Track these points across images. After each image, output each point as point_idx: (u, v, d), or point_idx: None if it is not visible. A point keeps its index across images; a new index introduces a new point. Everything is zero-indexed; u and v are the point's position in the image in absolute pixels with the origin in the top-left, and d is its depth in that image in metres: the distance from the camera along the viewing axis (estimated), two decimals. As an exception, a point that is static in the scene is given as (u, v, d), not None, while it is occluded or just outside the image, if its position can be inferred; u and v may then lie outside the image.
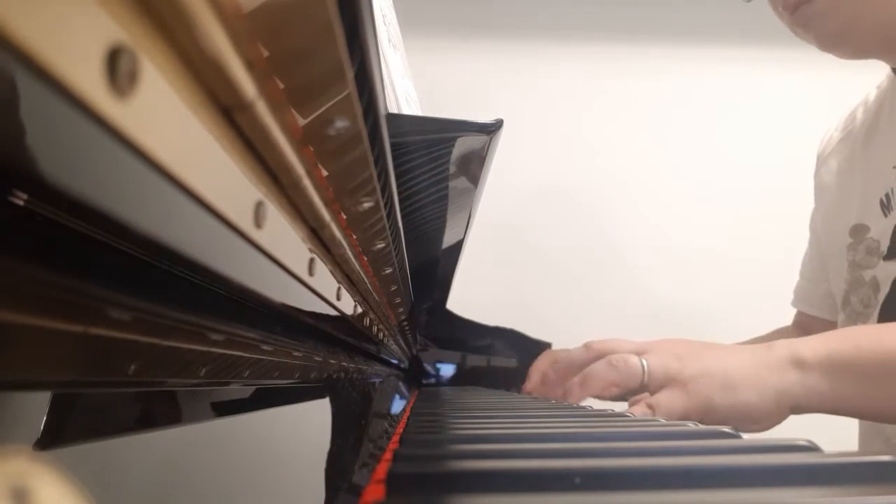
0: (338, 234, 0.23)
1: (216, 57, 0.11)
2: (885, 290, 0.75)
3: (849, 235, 0.80)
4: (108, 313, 0.12)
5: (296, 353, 0.27)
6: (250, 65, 0.12)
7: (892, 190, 0.75)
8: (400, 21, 0.64)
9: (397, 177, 0.29)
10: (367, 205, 0.25)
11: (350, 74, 0.16)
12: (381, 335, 0.51)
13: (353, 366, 0.45)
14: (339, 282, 0.29)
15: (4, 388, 0.10)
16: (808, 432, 0.35)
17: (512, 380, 1.05)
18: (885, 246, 0.76)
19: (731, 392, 0.58)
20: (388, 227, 0.29)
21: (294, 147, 0.16)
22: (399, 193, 0.31)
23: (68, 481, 0.09)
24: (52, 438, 0.11)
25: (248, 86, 0.13)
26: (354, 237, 0.28)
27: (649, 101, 1.54)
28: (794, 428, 0.50)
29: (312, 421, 0.31)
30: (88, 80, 0.08)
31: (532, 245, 1.50)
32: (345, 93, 0.17)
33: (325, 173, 0.20)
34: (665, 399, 0.59)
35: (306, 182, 0.18)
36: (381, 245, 0.31)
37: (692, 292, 1.48)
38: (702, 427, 0.40)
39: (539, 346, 1.05)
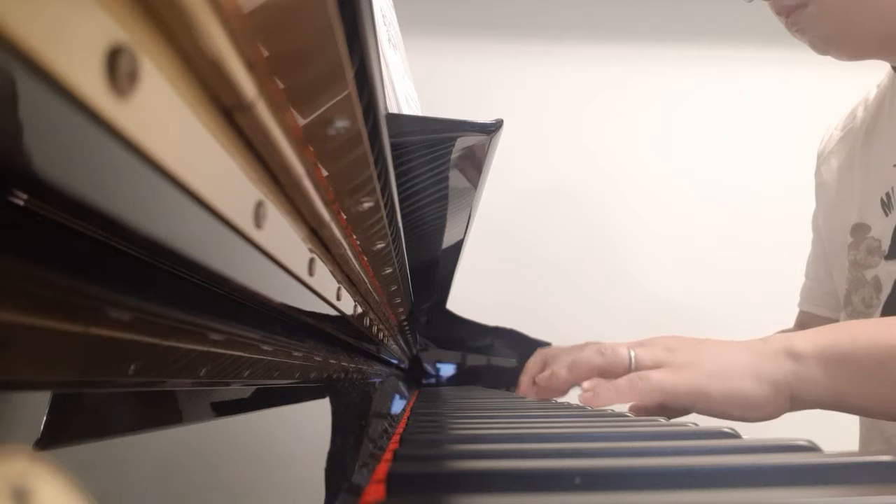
0: (338, 234, 0.23)
1: (216, 57, 0.11)
2: (886, 289, 0.74)
3: (849, 234, 0.80)
4: (108, 313, 0.12)
5: (296, 353, 0.27)
6: (250, 65, 0.12)
7: (892, 189, 0.75)
8: (400, 21, 0.64)
9: (397, 177, 0.29)
10: (367, 205, 0.25)
11: (350, 74, 0.16)
12: (381, 335, 0.51)
13: (353, 366, 0.45)
14: (339, 282, 0.29)
15: (4, 388, 0.10)
16: (809, 432, 0.35)
17: (512, 380, 1.05)
18: (886, 245, 0.75)
19: (725, 379, 0.57)
20: (388, 227, 0.29)
21: (294, 147, 0.16)
22: (399, 193, 0.31)
23: (68, 481, 0.09)
24: (52, 438, 0.11)
25: (248, 86, 0.13)
26: (354, 237, 0.28)
27: (649, 100, 1.54)
28: (794, 428, 0.50)
29: (312, 421, 0.31)
30: (88, 80, 0.08)
31: (532, 245, 1.50)
32: (345, 93, 0.17)
33: (325, 173, 0.20)
34: (656, 374, 0.59)
35: (306, 182, 0.18)
36: (381, 245, 0.31)
37: (692, 292, 1.48)
38: (702, 427, 0.40)
39: (539, 346, 1.05)
